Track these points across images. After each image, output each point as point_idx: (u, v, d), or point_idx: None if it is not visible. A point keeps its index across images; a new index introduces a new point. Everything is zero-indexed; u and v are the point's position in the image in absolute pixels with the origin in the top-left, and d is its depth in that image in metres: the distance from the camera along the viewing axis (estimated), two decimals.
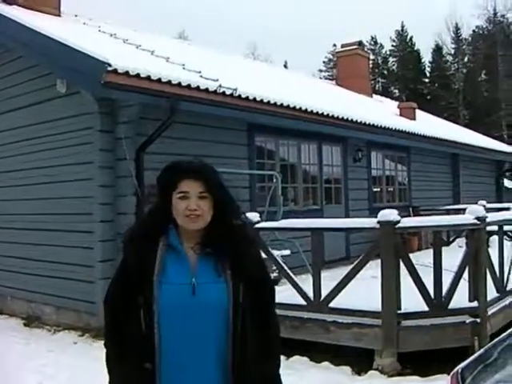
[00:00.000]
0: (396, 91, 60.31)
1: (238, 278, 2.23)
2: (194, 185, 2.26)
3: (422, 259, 7.69)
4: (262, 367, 2.28)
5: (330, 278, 7.25)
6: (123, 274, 2.30)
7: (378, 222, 6.43)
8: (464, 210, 7.01)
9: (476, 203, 10.53)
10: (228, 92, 8.94)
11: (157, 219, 2.31)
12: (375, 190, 15.03)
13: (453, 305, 6.47)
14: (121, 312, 2.27)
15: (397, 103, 21.21)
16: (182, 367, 2.17)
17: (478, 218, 6.53)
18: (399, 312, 6.35)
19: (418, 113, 19.85)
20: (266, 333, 2.33)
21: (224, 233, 2.28)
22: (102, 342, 2.45)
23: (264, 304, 2.36)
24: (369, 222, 6.77)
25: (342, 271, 7.00)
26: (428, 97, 55.22)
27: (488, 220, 6.74)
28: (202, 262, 2.26)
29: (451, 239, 13.86)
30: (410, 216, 14.01)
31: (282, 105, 10.12)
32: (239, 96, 9.17)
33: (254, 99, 9.50)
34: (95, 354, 6.55)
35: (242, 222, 2.38)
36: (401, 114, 18.03)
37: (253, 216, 7.51)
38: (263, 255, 7.35)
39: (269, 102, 9.83)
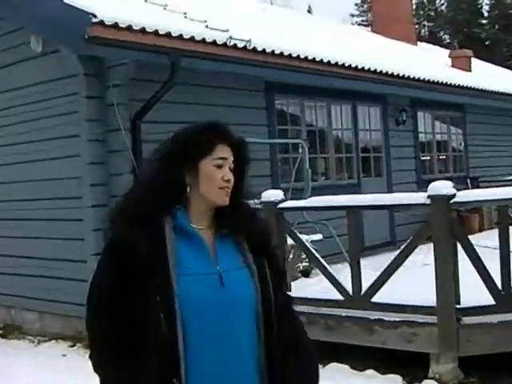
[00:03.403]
0: (446, 37, 59.74)
1: (260, 262, 2.30)
2: (229, 153, 2.33)
3: (485, 241, 7.63)
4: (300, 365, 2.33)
5: (371, 267, 7.24)
6: (120, 267, 2.17)
7: (429, 197, 6.37)
8: None
9: None
10: (240, 45, 8.88)
11: (163, 197, 2.24)
12: (424, 158, 14.92)
13: None
14: (125, 319, 2.13)
15: (448, 51, 20.97)
16: (216, 379, 2.13)
17: None
18: (458, 307, 6.31)
19: (475, 62, 19.62)
20: (292, 325, 2.40)
21: (239, 212, 2.35)
22: None
23: (282, 288, 2.44)
24: (417, 198, 6.72)
25: (387, 258, 6.98)
26: (486, 42, 54.61)
27: None
28: (220, 245, 2.28)
29: None
30: (467, 189, 13.90)
31: (306, 58, 10.03)
32: (254, 49, 9.11)
33: (273, 52, 9.42)
34: (90, 367, 6.57)
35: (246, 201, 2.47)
36: (453, 65, 17.83)
37: (275, 194, 7.49)
38: (291, 241, 7.38)
39: (290, 56, 9.75)
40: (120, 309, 2.13)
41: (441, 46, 29.41)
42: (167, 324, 2.07)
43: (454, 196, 6.35)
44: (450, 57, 18.68)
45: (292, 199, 8.48)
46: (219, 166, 2.28)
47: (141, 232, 2.15)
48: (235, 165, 2.33)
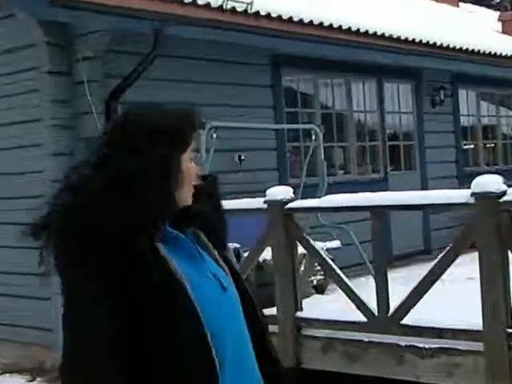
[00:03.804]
0: None
1: (225, 257, 2.44)
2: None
3: None
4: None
5: (401, 281, 7.24)
6: (127, 298, 2.07)
7: (473, 195, 6.34)
8: None
9: None
10: (240, 8, 8.87)
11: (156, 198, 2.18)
12: (466, 147, 14.91)
13: None
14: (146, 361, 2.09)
15: (497, 14, 20.93)
16: None
17: None
18: (511, 331, 6.30)
19: None
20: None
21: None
22: None
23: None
24: (458, 196, 6.69)
25: (420, 270, 6.96)
26: None
27: None
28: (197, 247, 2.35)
29: None
30: None
31: (321, 24, 10.02)
32: (257, 13, 9.11)
33: (280, 18, 9.42)
34: None
35: None
36: (504, 31, 17.78)
37: (283, 191, 7.48)
38: (302, 250, 7.39)
39: (302, 22, 9.75)
40: (138, 356, 2.08)
41: (488, 7, 29.34)
42: (200, 347, 2.11)
43: (504, 193, 6.30)
44: (499, 20, 18.63)
45: (303, 198, 8.48)
46: (191, 160, 2.32)
47: (144, 240, 2.11)
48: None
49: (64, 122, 8.41)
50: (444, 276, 6.65)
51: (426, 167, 13.59)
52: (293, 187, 8.07)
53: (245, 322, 2.31)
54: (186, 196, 2.29)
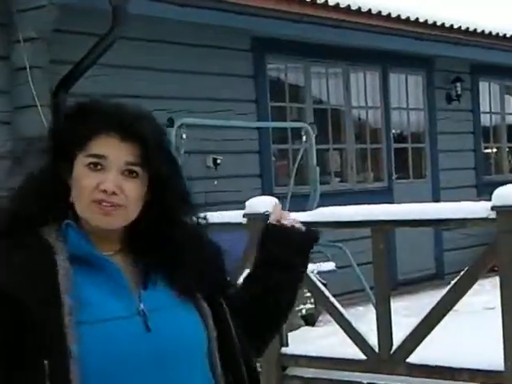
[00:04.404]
0: None
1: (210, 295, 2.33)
2: (118, 148, 2.19)
3: None
4: None
5: (407, 312, 7.26)
6: None
7: (494, 208, 6.38)
8: None
9: None
10: None
11: (42, 206, 2.17)
12: (488, 151, 14.98)
13: None
14: None
15: None
16: None
17: None
18: None
19: None
20: None
21: (170, 235, 2.30)
22: None
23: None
24: (477, 209, 6.69)
25: (430, 298, 7.01)
26: None
27: None
28: (144, 276, 2.27)
29: None
30: None
31: (314, 1, 10.02)
32: None
33: None
34: None
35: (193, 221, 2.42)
36: None
37: (266, 203, 7.51)
38: None
39: None
40: None
41: None
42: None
43: None
44: None
45: (291, 210, 8.48)
46: (94, 167, 2.17)
47: (22, 266, 2.07)
48: (148, 165, 2.20)
49: (1, 117, 8.41)
50: (459, 306, 6.69)
51: (439, 175, 13.68)
52: (278, 198, 8.11)
53: (193, 363, 2.21)
54: (80, 210, 2.18)
